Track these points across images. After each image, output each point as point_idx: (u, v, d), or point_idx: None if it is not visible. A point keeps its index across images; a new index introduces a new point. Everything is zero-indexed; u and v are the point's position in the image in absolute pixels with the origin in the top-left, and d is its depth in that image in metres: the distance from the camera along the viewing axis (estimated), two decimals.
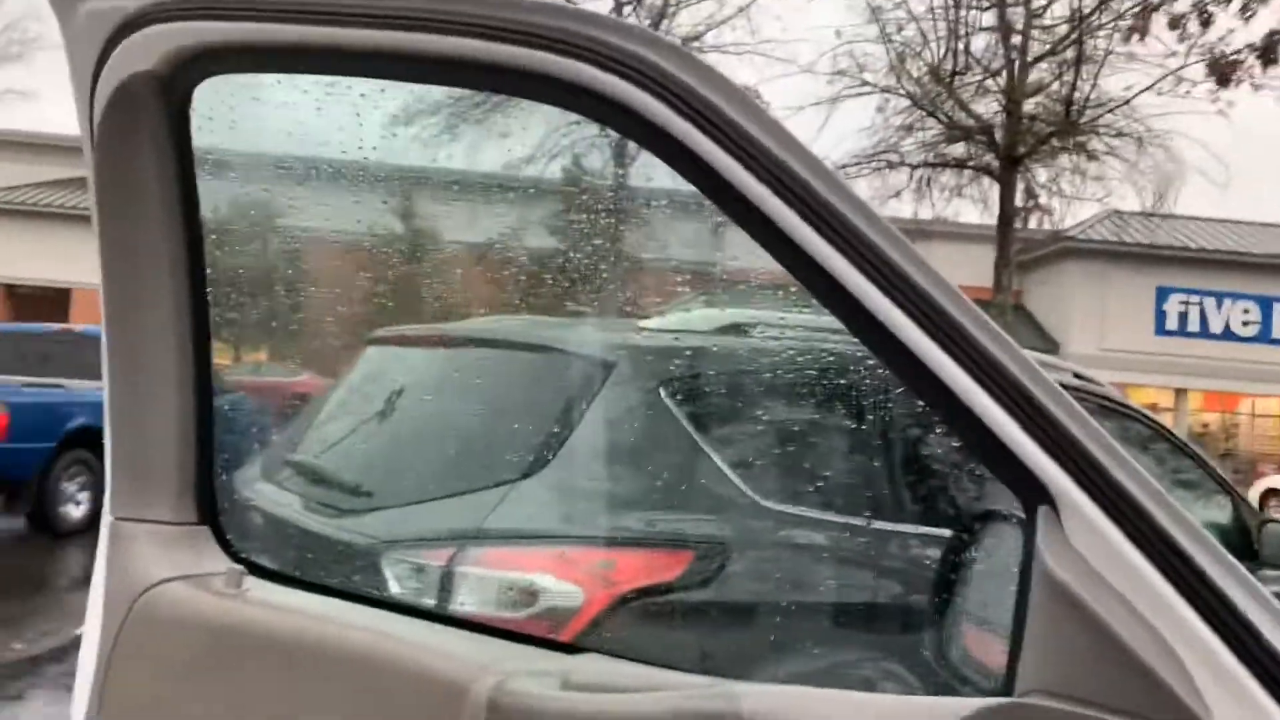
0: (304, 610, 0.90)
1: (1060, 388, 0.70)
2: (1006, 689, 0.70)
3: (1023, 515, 0.72)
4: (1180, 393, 16.88)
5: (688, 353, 1.85)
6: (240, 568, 0.93)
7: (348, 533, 1.65)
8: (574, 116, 0.80)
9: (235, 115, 0.93)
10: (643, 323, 1.96)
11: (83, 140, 0.89)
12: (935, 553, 1.45)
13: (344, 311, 1.60)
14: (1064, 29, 11.90)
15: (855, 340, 0.73)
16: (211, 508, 0.99)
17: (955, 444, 0.82)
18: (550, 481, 1.67)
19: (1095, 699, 0.65)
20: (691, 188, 0.73)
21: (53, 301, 26.66)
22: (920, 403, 0.71)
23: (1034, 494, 0.69)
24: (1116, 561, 0.66)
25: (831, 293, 0.70)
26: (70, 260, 27.28)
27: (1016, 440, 0.69)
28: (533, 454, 1.69)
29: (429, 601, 1.42)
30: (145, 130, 0.87)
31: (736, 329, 1.89)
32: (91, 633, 0.95)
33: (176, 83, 0.85)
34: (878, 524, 1.62)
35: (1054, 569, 0.67)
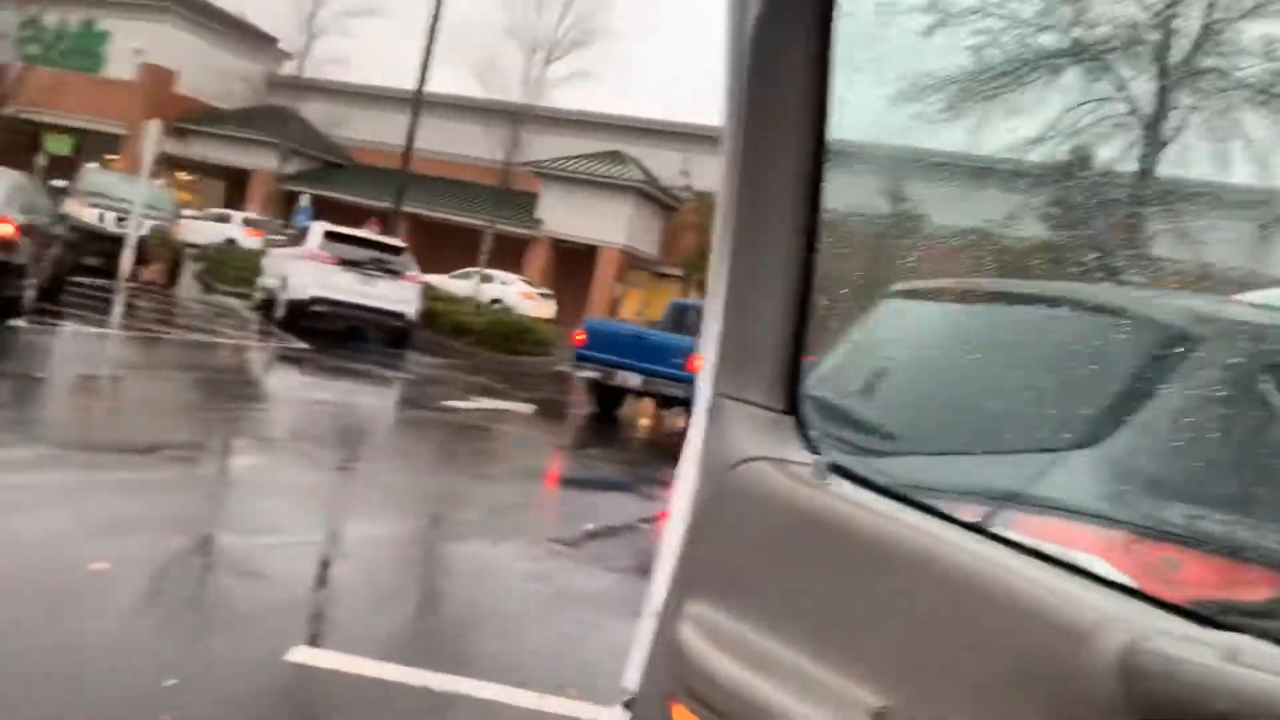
0: (892, 516, 0.88)
1: None
2: None
3: None
4: None
5: None
6: (826, 460, 0.94)
7: (871, 472, 1.63)
8: None
9: (876, 17, 0.92)
10: (1243, 295, 1.64)
11: (727, 34, 0.94)
12: None
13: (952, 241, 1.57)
14: None
15: None
16: (797, 401, 1.01)
17: None
18: (1106, 458, 1.47)
19: None
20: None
21: (584, 256, 31.56)
22: None
23: None
24: None
25: None
26: (599, 223, 31.86)
27: None
28: (1087, 424, 1.50)
29: (1013, 535, 1.34)
30: (796, 22, 0.90)
31: None
32: (682, 498, 1.04)
33: None
34: None
35: None
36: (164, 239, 17.12)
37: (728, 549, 0.97)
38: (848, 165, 1.08)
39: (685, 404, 11.80)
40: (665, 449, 12.12)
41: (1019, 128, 1.75)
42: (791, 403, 1.01)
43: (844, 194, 1.19)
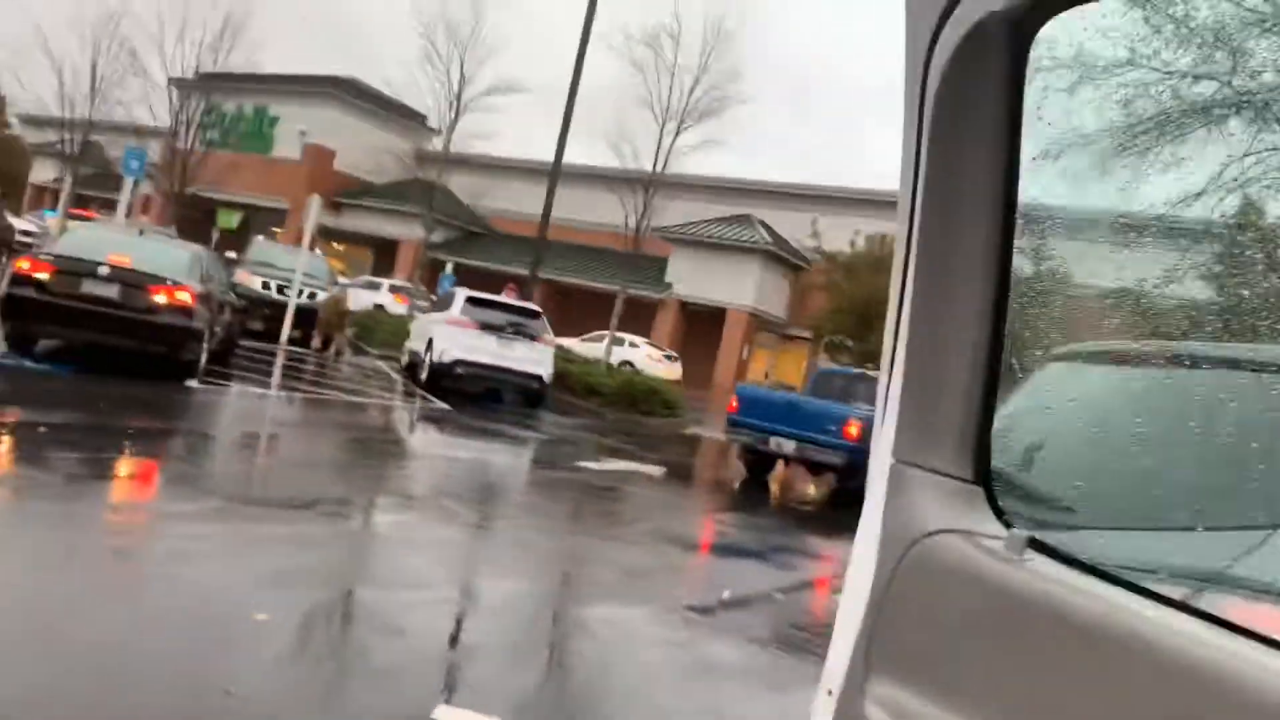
0: (1099, 596, 0.81)
1: None
2: None
3: None
4: None
5: None
6: (1024, 534, 0.89)
7: (1071, 547, 1.53)
8: None
9: (1073, 57, 0.89)
10: None
11: (906, 95, 0.93)
12: None
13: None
14: None
15: None
16: (985, 470, 0.96)
17: None
18: None
19: None
20: None
21: (712, 319, 31.65)
22: None
23: None
24: None
25: None
26: (727, 285, 31.89)
27: None
28: None
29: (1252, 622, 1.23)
30: (985, 81, 0.87)
31: None
32: (861, 570, 0.99)
33: (1024, 24, 0.83)
34: None
35: None
36: (336, 307, 18.30)
37: (916, 626, 0.92)
38: (1033, 227, 1.03)
39: (837, 470, 11.73)
40: (795, 514, 11.83)
41: (1200, 182, 1.64)
42: (980, 472, 0.96)
43: (1027, 255, 1.14)
